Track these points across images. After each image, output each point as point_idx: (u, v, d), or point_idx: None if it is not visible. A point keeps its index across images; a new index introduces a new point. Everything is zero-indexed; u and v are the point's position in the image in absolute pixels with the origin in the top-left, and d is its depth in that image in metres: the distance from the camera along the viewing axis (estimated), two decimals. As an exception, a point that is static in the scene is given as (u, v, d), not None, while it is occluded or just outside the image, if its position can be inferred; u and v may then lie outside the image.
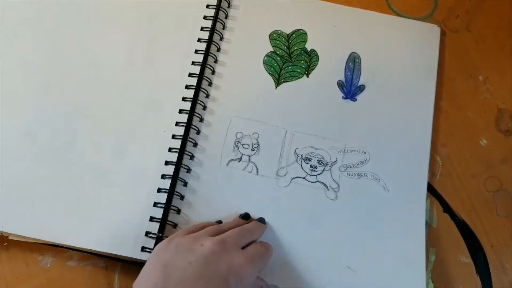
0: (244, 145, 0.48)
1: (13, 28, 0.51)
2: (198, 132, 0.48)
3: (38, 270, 0.45)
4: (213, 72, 0.50)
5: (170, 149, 0.47)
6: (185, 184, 0.46)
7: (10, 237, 0.44)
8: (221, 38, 0.52)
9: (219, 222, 0.44)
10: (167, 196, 0.45)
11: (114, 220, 0.44)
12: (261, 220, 0.45)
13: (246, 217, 0.45)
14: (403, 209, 0.47)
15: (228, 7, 0.53)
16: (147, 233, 0.44)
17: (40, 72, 0.49)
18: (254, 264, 0.39)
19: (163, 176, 0.46)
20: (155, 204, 0.45)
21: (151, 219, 0.44)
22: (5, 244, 0.45)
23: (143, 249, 0.43)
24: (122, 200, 0.45)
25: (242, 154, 0.48)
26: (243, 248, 0.40)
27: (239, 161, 0.48)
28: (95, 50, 0.51)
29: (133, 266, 0.44)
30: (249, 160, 0.48)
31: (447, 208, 0.48)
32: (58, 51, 0.50)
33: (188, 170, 0.47)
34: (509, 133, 0.51)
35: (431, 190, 0.49)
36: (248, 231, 0.42)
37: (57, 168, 0.46)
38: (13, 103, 0.48)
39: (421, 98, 0.51)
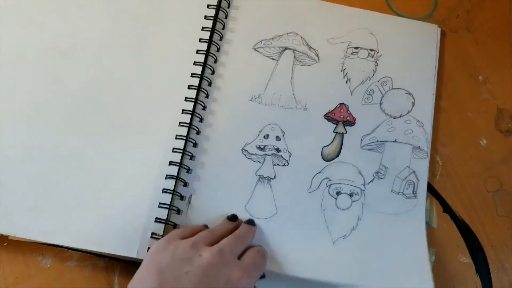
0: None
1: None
2: (198, 132, 0.48)
3: (38, 270, 0.45)
4: (212, 73, 0.51)
5: (173, 150, 0.47)
6: (185, 184, 0.46)
7: (10, 237, 0.44)
8: (221, 39, 0.52)
9: (206, 226, 0.44)
10: (171, 196, 0.45)
11: (115, 221, 0.44)
12: (250, 222, 0.45)
13: (233, 218, 0.45)
14: (403, 208, 0.47)
15: (228, 7, 0.53)
16: (152, 234, 0.44)
17: (41, 73, 0.50)
18: (251, 275, 0.39)
19: (166, 177, 0.46)
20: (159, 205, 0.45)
21: (156, 220, 0.44)
22: (5, 244, 0.45)
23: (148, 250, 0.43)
24: (123, 201, 0.45)
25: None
26: (239, 257, 0.40)
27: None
28: (98, 50, 0.51)
29: (133, 266, 0.44)
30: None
31: (447, 208, 0.48)
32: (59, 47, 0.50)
33: (189, 170, 0.47)
34: (509, 133, 0.51)
35: (431, 190, 0.49)
36: (242, 238, 0.42)
37: (58, 169, 0.46)
38: (15, 101, 0.48)
39: (421, 98, 0.51)
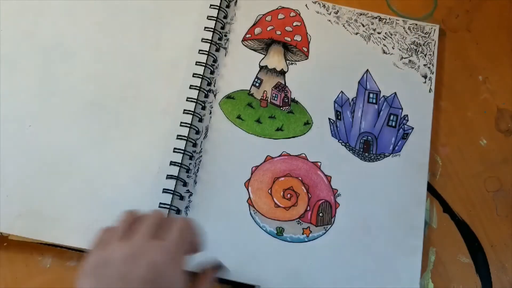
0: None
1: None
2: (198, 132, 0.48)
3: (38, 270, 0.45)
4: (212, 72, 0.51)
5: (174, 150, 0.47)
6: (184, 184, 0.46)
7: (10, 237, 0.44)
8: (220, 38, 0.52)
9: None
10: (172, 196, 0.45)
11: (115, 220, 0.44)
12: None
13: None
14: (403, 208, 0.47)
15: (228, 7, 0.53)
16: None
17: (43, 72, 0.49)
18: (178, 252, 0.33)
19: (167, 177, 0.46)
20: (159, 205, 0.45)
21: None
22: (5, 244, 0.45)
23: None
24: (123, 201, 0.45)
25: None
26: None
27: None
28: (101, 48, 0.50)
29: (133, 266, 0.44)
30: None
31: (447, 208, 0.48)
32: (62, 45, 0.50)
33: (188, 170, 0.47)
34: (509, 133, 0.51)
35: (431, 190, 0.49)
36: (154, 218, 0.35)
37: (58, 169, 0.46)
38: (15, 101, 0.48)
39: (421, 98, 0.50)
